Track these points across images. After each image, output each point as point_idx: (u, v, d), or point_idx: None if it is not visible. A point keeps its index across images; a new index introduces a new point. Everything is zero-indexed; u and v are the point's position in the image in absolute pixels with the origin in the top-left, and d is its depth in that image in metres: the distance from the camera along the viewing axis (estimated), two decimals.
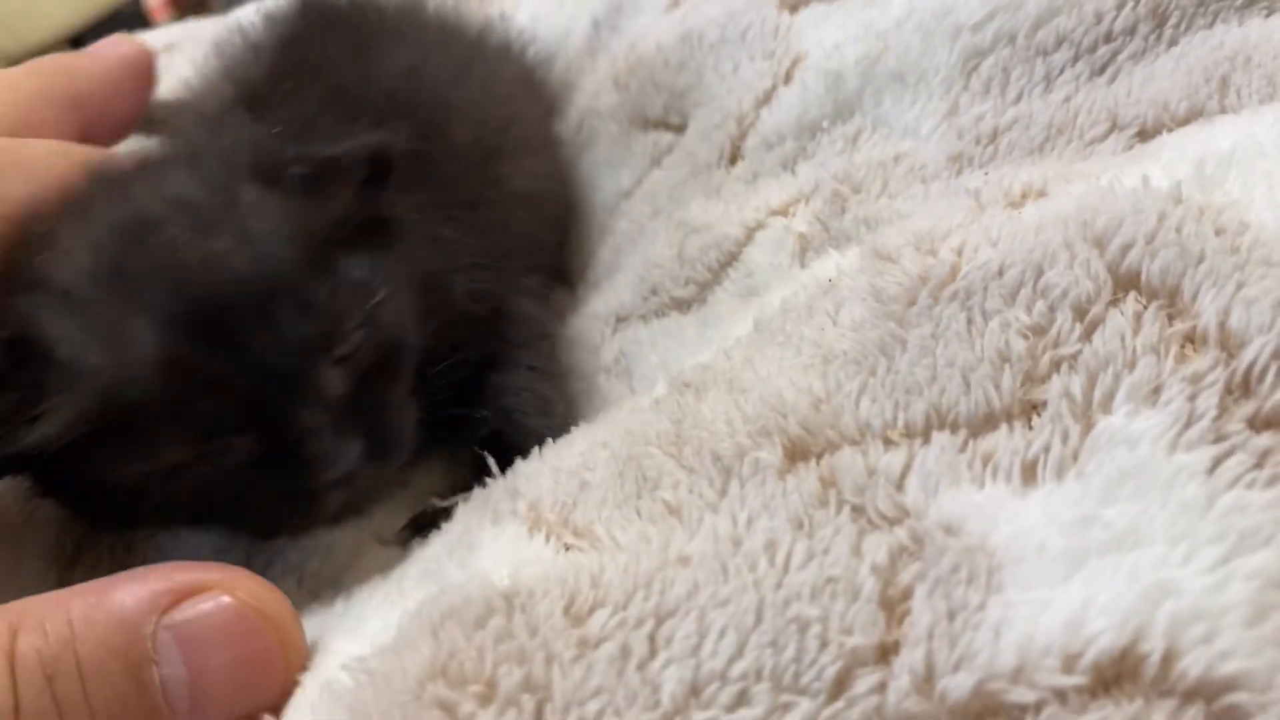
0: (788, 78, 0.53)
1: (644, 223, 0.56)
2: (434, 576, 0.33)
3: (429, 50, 0.55)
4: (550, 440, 0.39)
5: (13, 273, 0.36)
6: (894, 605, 0.26)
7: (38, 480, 0.38)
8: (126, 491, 0.36)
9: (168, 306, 0.34)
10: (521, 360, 0.46)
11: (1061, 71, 0.46)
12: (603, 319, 0.52)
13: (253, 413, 0.35)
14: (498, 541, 0.33)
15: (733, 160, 0.53)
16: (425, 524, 0.41)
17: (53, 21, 2.08)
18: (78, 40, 2.25)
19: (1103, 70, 0.45)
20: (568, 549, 0.31)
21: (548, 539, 0.32)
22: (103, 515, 0.40)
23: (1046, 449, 0.28)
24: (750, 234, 0.48)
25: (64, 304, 0.34)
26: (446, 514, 0.39)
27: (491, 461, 0.37)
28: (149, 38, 0.84)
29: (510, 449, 0.40)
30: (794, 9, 0.56)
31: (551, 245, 0.59)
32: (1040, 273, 0.31)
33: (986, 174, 0.44)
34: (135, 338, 0.33)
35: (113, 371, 0.33)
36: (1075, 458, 0.27)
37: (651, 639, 0.27)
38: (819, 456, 0.30)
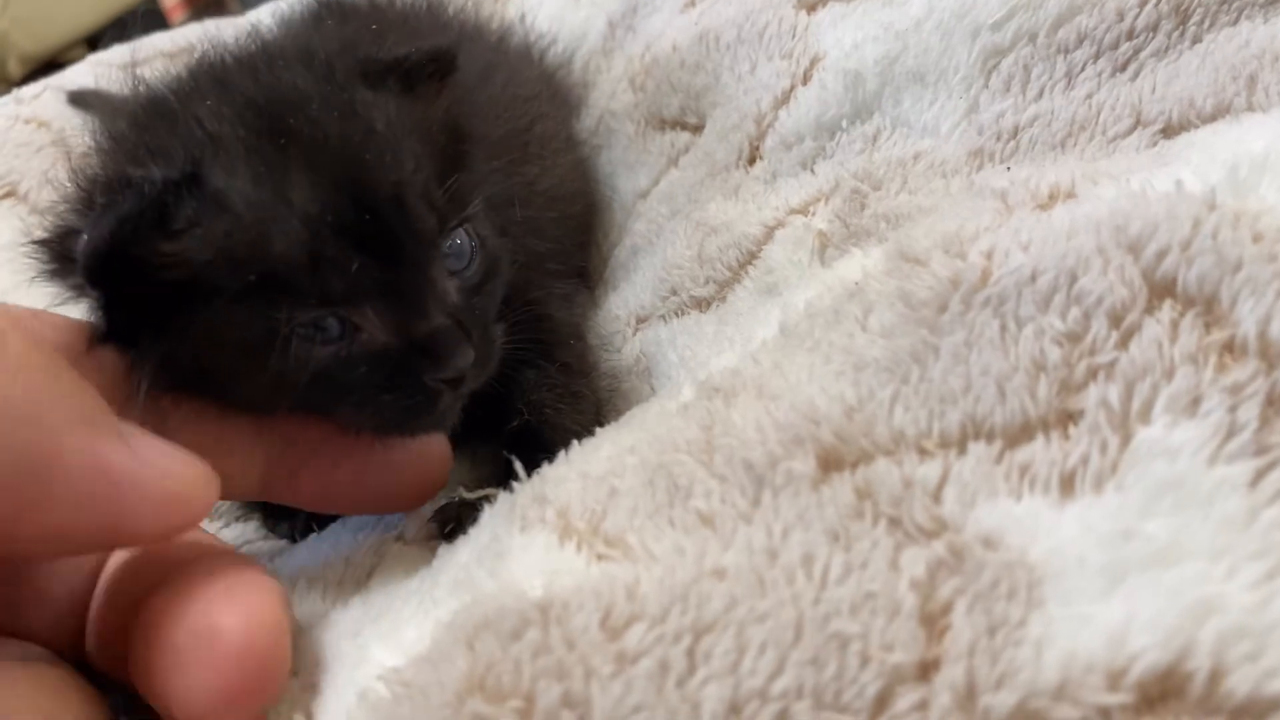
0: (806, 78, 0.53)
1: (662, 223, 0.56)
2: (465, 586, 0.33)
3: None
4: (579, 439, 0.40)
5: (168, 120, 0.38)
6: (934, 621, 0.26)
7: (152, 338, 0.37)
8: (240, 355, 0.37)
9: (324, 173, 0.36)
10: (555, 358, 0.47)
11: (1083, 69, 0.46)
12: (623, 320, 0.52)
13: (385, 294, 0.37)
14: (529, 550, 0.33)
15: (751, 160, 0.53)
16: (451, 517, 0.41)
17: (70, 22, 2.08)
18: (93, 40, 2.25)
19: (1125, 67, 0.45)
20: (600, 559, 0.31)
21: (579, 548, 0.32)
22: (202, 385, 0.39)
23: (1085, 460, 0.28)
24: (770, 232, 0.48)
25: (226, 153, 0.36)
26: (473, 508, 0.39)
27: (519, 465, 0.37)
28: (166, 39, 0.84)
29: (540, 445, 0.41)
30: (811, 9, 0.56)
31: (575, 246, 0.59)
32: (1074, 279, 0.31)
33: (1008, 169, 0.44)
34: (293, 192, 0.35)
35: (271, 216, 0.35)
36: (1114, 469, 0.27)
37: (690, 655, 0.26)
38: (853, 466, 0.30)
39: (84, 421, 0.29)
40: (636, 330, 0.51)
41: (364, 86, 0.39)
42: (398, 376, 0.38)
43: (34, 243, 0.38)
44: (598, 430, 0.40)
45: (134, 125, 0.38)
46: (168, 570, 0.32)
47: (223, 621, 0.30)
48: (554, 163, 0.57)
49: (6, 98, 0.82)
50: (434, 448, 0.41)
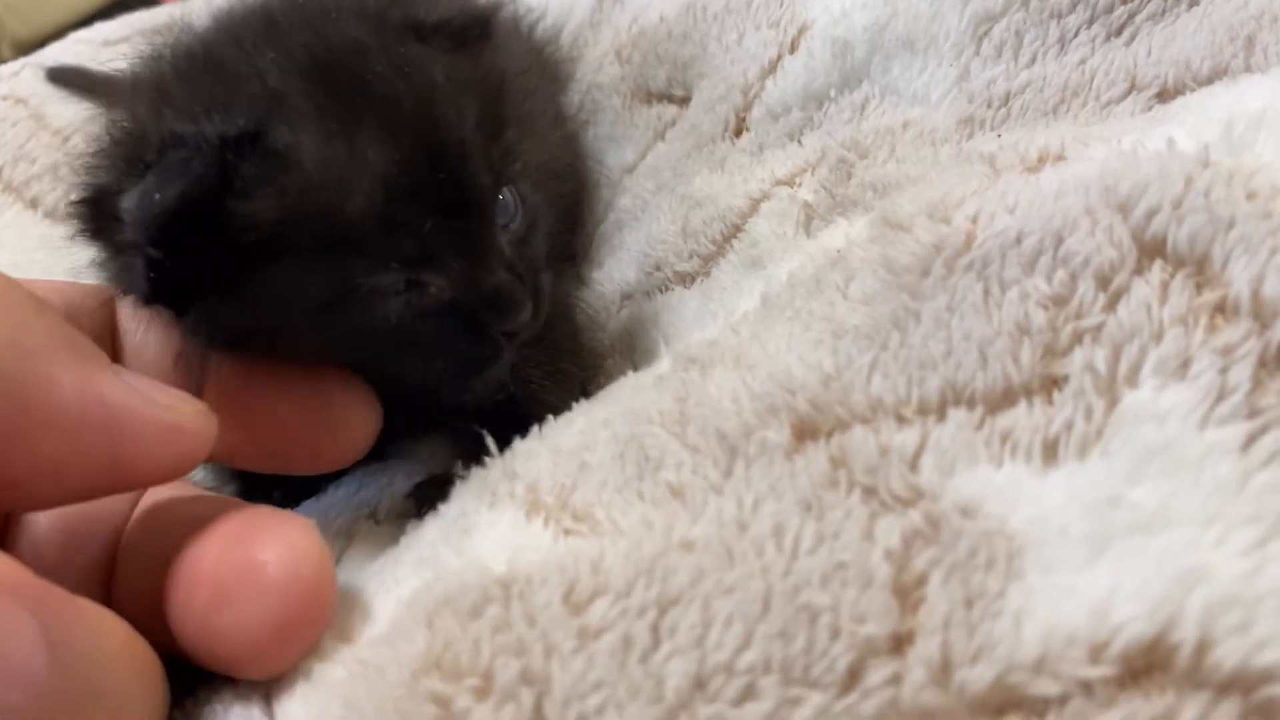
0: (793, 47, 0.51)
1: (647, 198, 0.54)
2: (429, 563, 0.31)
3: None
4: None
5: (220, 73, 0.36)
6: (908, 592, 0.25)
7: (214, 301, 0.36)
8: (305, 316, 0.36)
9: (396, 130, 0.35)
10: (544, 337, 0.45)
11: (1076, 34, 0.44)
12: (608, 298, 0.50)
13: (455, 251, 0.37)
14: (495, 526, 0.31)
15: (738, 132, 0.52)
16: (428, 495, 0.40)
17: (65, 7, 2.07)
18: (87, 25, 2.23)
19: (1120, 31, 0.44)
20: (567, 534, 0.30)
21: (546, 523, 0.31)
22: (252, 345, 0.38)
23: (1069, 426, 0.26)
24: (755, 205, 0.46)
25: (292, 109, 0.35)
26: (450, 485, 0.38)
27: (490, 441, 0.36)
28: (158, 15, 0.83)
29: (523, 422, 0.40)
30: None
31: (566, 225, 0.57)
32: (1060, 240, 0.30)
33: (999, 136, 0.42)
34: (369, 150, 0.34)
35: (347, 175, 0.34)
36: (1099, 435, 0.26)
37: (654, 629, 0.25)
38: (829, 435, 0.29)
39: (73, 352, 0.29)
40: (621, 308, 0.49)
41: (416, 42, 0.39)
42: (464, 330, 0.38)
43: (74, 202, 0.37)
44: (573, 405, 0.39)
45: (179, 79, 0.37)
46: (193, 522, 0.32)
47: (265, 555, 0.29)
48: (545, 139, 0.56)
49: None
50: (363, 404, 0.39)
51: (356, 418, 0.39)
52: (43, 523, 0.34)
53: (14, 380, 0.26)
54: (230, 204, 0.33)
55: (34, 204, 0.68)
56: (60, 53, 0.82)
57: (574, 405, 0.40)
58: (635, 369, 0.46)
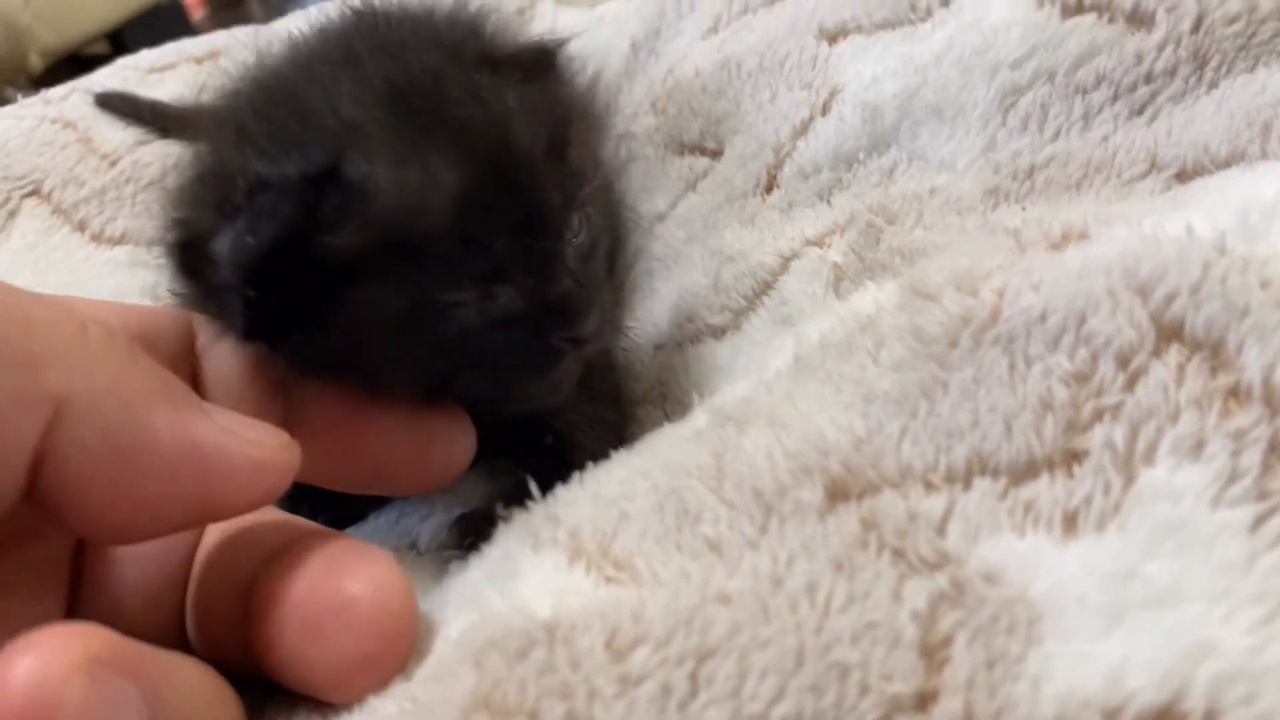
0: (825, 109, 0.53)
1: (679, 248, 0.56)
2: (474, 603, 0.33)
3: None
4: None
5: (296, 107, 0.38)
6: (934, 652, 0.26)
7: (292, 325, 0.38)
8: (387, 334, 0.38)
9: (467, 152, 0.37)
10: (588, 384, 0.48)
11: (1100, 110, 0.46)
12: (641, 346, 0.52)
13: (525, 265, 0.38)
14: (539, 570, 0.33)
15: (769, 189, 0.54)
16: (472, 529, 0.42)
17: (92, 17, 2.10)
18: (116, 35, 2.26)
19: (1142, 110, 0.46)
20: (609, 581, 0.31)
21: (588, 570, 0.32)
22: (341, 368, 0.39)
23: (1088, 500, 0.28)
24: (785, 263, 0.48)
25: (367, 138, 0.36)
26: (493, 522, 0.40)
27: (533, 485, 0.38)
28: (203, 43, 0.85)
29: (565, 466, 0.42)
30: (833, 40, 0.57)
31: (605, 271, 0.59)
32: (1083, 319, 0.32)
33: (1024, 209, 0.44)
34: (436, 173, 0.36)
35: (419, 198, 0.36)
36: (1117, 510, 0.27)
37: (693, 678, 0.27)
38: (860, 497, 0.31)
39: (168, 398, 0.30)
40: (654, 356, 0.51)
41: (489, 71, 0.40)
42: (530, 339, 0.40)
43: (168, 245, 0.39)
44: (612, 454, 0.41)
45: (257, 115, 0.38)
46: (268, 549, 0.33)
47: (354, 589, 0.31)
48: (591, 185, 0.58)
49: (34, 98, 0.83)
50: (459, 426, 0.41)
51: (456, 435, 0.41)
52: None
53: (116, 431, 0.28)
54: (316, 238, 0.35)
55: (82, 227, 0.70)
56: (107, 78, 0.85)
57: (613, 453, 0.42)
58: (668, 417, 0.48)
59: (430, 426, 0.40)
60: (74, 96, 0.81)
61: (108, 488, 0.28)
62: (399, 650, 0.32)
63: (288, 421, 0.38)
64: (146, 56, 0.89)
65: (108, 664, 0.25)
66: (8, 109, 0.80)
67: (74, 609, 0.34)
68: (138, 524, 0.30)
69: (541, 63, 0.44)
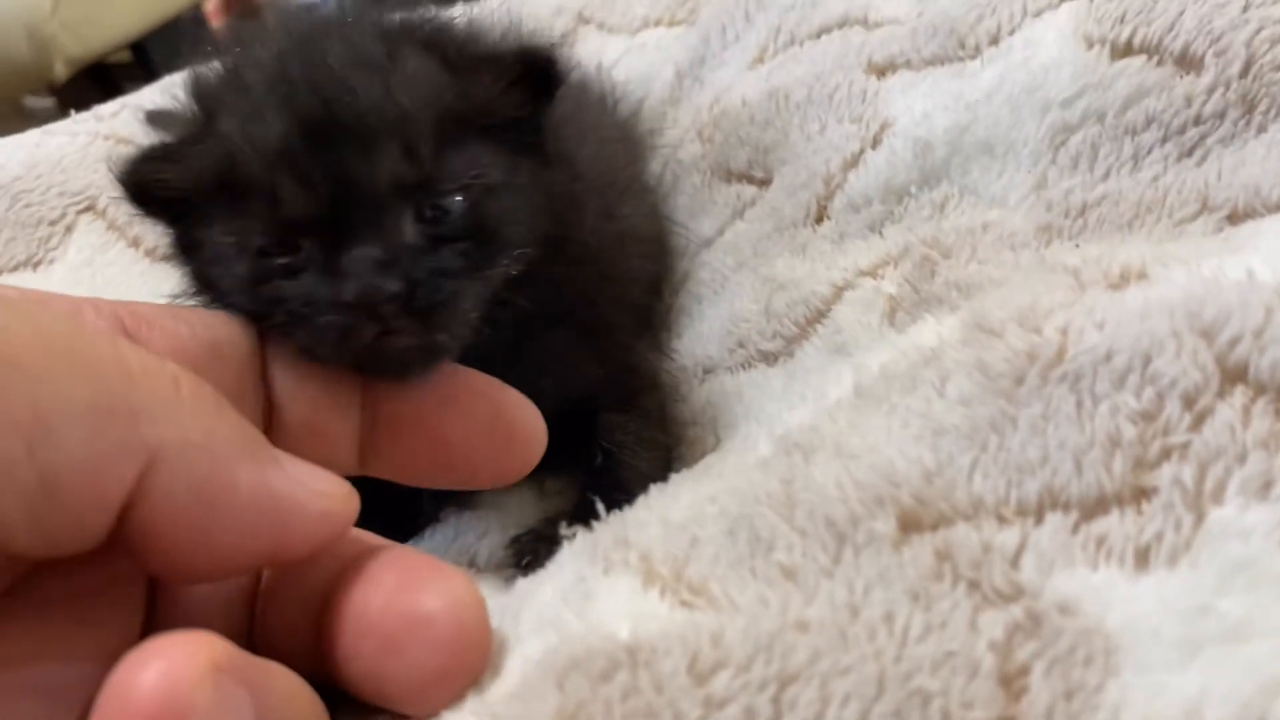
0: (875, 142, 0.55)
1: (727, 274, 0.57)
2: (551, 624, 0.34)
3: None
4: (652, 484, 0.41)
5: (228, 76, 0.44)
6: (1012, 682, 0.27)
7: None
8: (214, 263, 0.43)
9: (302, 109, 0.40)
10: (638, 405, 0.49)
11: (1150, 151, 0.47)
12: (689, 369, 0.53)
13: (328, 223, 0.40)
14: (615, 593, 0.34)
15: (819, 219, 0.55)
16: (528, 548, 0.43)
17: (117, 26, 2.12)
18: (139, 46, 2.28)
19: (1191, 152, 0.47)
20: (684, 605, 0.32)
21: (663, 593, 0.33)
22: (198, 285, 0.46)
23: (1159, 536, 0.29)
24: (839, 293, 0.49)
25: (236, 88, 0.43)
26: (550, 541, 0.41)
27: (601, 506, 0.39)
28: None
29: (616, 485, 0.43)
30: (881, 74, 0.58)
31: (654, 292, 0.61)
32: (1148, 360, 0.33)
33: (1077, 246, 0.45)
34: (269, 124, 0.40)
35: (242, 142, 0.41)
36: (1188, 546, 0.28)
37: (775, 703, 0.28)
38: (933, 528, 0.32)
39: (250, 452, 0.31)
40: (703, 380, 0.52)
41: (420, 50, 0.43)
42: (326, 304, 0.39)
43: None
44: (673, 477, 0.42)
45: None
46: (339, 562, 0.35)
47: (430, 605, 0.32)
48: (636, 208, 0.59)
49: (87, 114, 0.85)
50: (534, 417, 0.41)
51: (532, 426, 0.40)
52: None
53: (202, 483, 0.29)
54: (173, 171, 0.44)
55: (135, 243, 0.71)
56: (156, 95, 0.86)
57: (666, 474, 0.43)
58: (719, 440, 0.49)
59: (508, 417, 0.41)
60: (125, 113, 0.83)
61: (189, 534, 0.30)
62: (474, 665, 0.33)
63: (365, 421, 0.40)
64: None
65: (226, 670, 0.26)
66: (61, 125, 0.82)
67: (150, 619, 0.36)
68: (210, 567, 0.31)
69: (490, 61, 0.45)
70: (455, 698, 0.32)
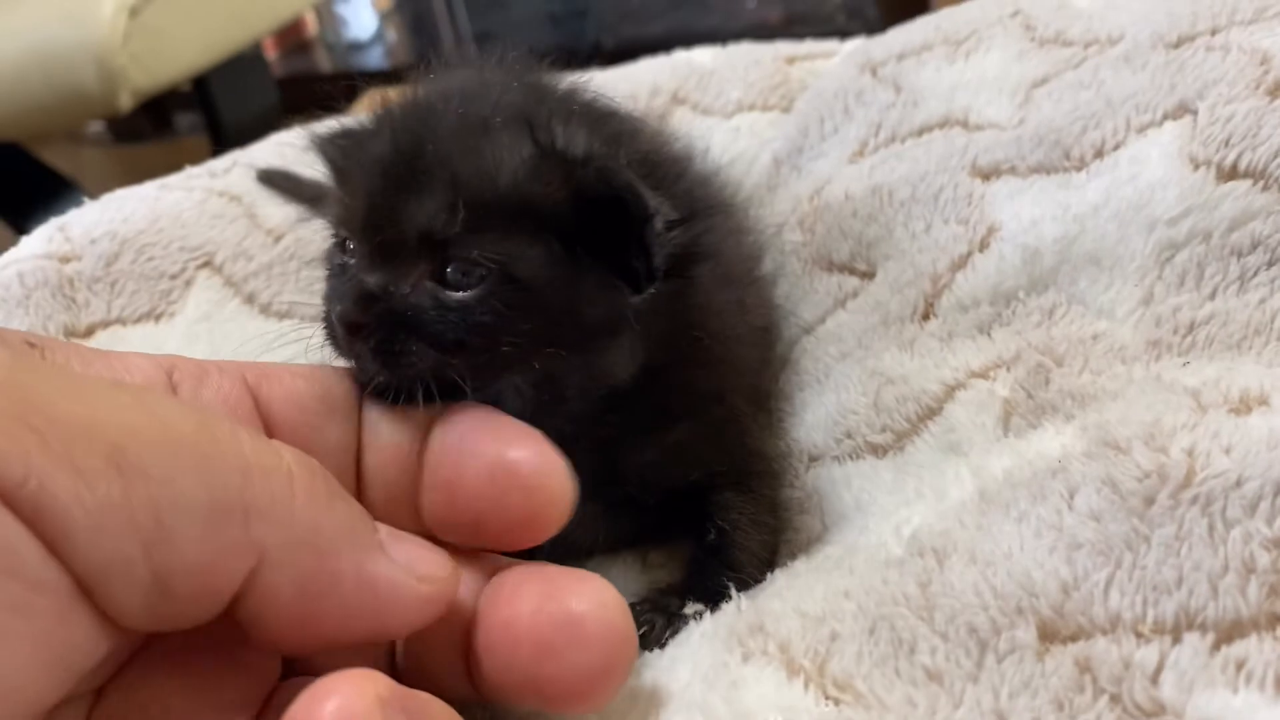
0: (983, 245, 0.57)
1: (830, 364, 0.60)
2: (700, 708, 0.36)
3: None
4: (760, 565, 0.44)
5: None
6: None
7: None
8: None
9: (401, 141, 0.44)
10: (751, 486, 0.51)
11: (1256, 274, 0.49)
12: (795, 456, 0.55)
13: (369, 239, 0.43)
14: (760, 683, 0.36)
15: (925, 316, 0.57)
16: (644, 621, 0.45)
17: (185, 60, 2.18)
18: (201, 80, 2.35)
19: None
20: (833, 702, 0.35)
21: (807, 686, 0.36)
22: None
23: None
24: (950, 391, 0.51)
25: (355, 148, 0.47)
26: (672, 618, 0.44)
27: (735, 592, 0.41)
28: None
29: (725, 564, 0.46)
30: (986, 178, 0.60)
31: (764, 375, 0.63)
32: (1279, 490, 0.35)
33: (1186, 363, 0.47)
34: (381, 138, 0.45)
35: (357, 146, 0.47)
36: None
37: None
38: (1072, 640, 0.34)
39: (354, 542, 0.33)
40: (809, 467, 0.54)
41: (524, 133, 0.43)
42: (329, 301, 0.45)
43: None
44: (797, 566, 0.44)
45: None
46: (477, 587, 0.37)
47: (580, 608, 0.35)
48: (759, 299, 0.62)
49: (200, 169, 0.88)
50: (555, 467, 0.39)
51: (547, 486, 0.38)
52: None
53: (307, 580, 0.32)
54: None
55: (250, 300, 0.74)
56: (266, 154, 0.90)
57: (772, 556, 0.45)
58: (824, 527, 0.51)
59: (509, 461, 0.38)
60: (236, 170, 0.86)
61: (293, 622, 0.32)
62: (627, 661, 0.35)
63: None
64: (300, 134, 0.94)
65: (390, 702, 0.29)
66: (176, 179, 0.85)
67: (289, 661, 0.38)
68: (316, 647, 0.34)
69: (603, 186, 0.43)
70: (612, 695, 0.35)
